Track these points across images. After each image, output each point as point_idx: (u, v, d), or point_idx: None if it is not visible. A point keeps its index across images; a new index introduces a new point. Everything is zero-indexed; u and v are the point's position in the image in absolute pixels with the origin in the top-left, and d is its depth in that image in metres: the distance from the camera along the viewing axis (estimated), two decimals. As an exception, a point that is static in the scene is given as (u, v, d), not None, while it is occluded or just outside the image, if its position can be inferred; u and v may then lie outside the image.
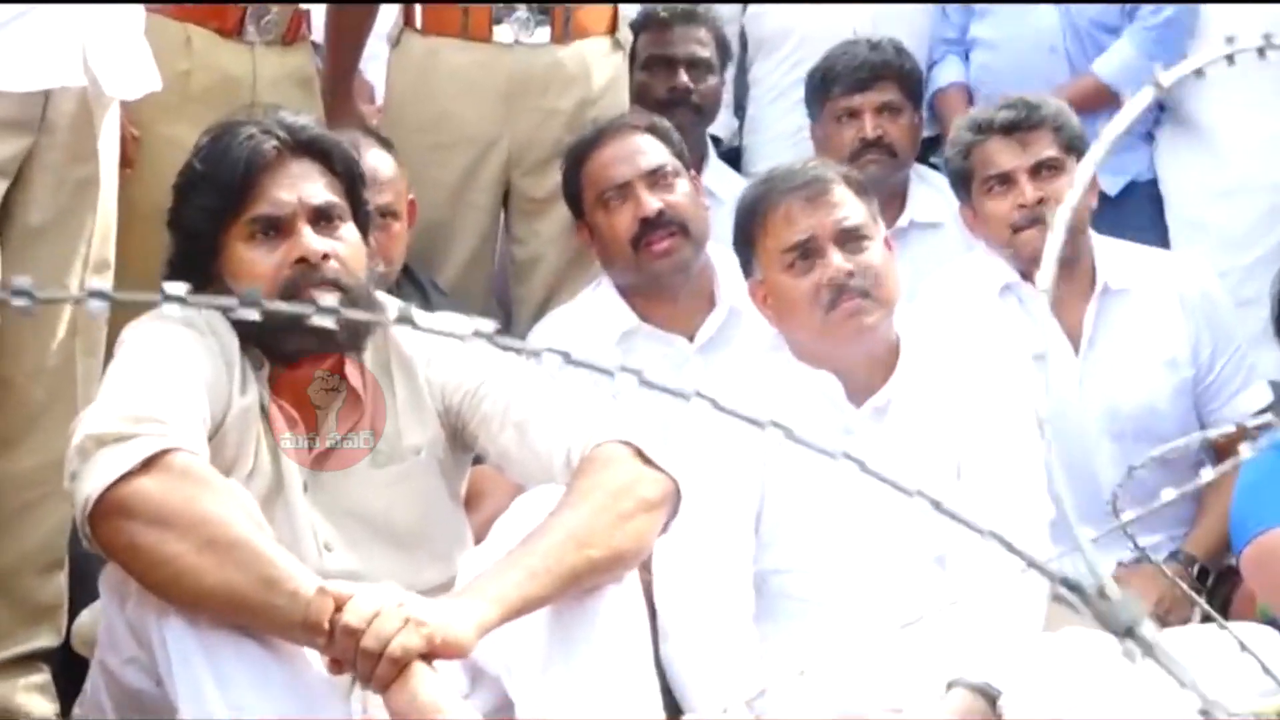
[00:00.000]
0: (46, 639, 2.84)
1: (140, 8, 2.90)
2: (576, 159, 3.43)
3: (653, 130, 3.44)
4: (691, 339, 3.39)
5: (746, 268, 2.91)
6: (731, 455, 2.75)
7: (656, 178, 3.36)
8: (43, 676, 2.84)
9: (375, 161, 3.28)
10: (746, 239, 2.88)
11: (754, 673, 2.58)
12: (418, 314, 1.00)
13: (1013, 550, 0.82)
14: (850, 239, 2.77)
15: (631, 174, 3.36)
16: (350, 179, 2.46)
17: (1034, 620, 2.68)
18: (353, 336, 2.38)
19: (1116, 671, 2.49)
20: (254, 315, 0.94)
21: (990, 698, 2.55)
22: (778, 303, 2.82)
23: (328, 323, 0.97)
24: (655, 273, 3.34)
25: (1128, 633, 0.79)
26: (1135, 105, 1.07)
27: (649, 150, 3.40)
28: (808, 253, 2.77)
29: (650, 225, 3.31)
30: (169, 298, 0.93)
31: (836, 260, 2.74)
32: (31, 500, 2.77)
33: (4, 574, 2.74)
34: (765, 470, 2.76)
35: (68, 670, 2.79)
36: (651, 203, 3.32)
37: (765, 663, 2.61)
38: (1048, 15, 4.10)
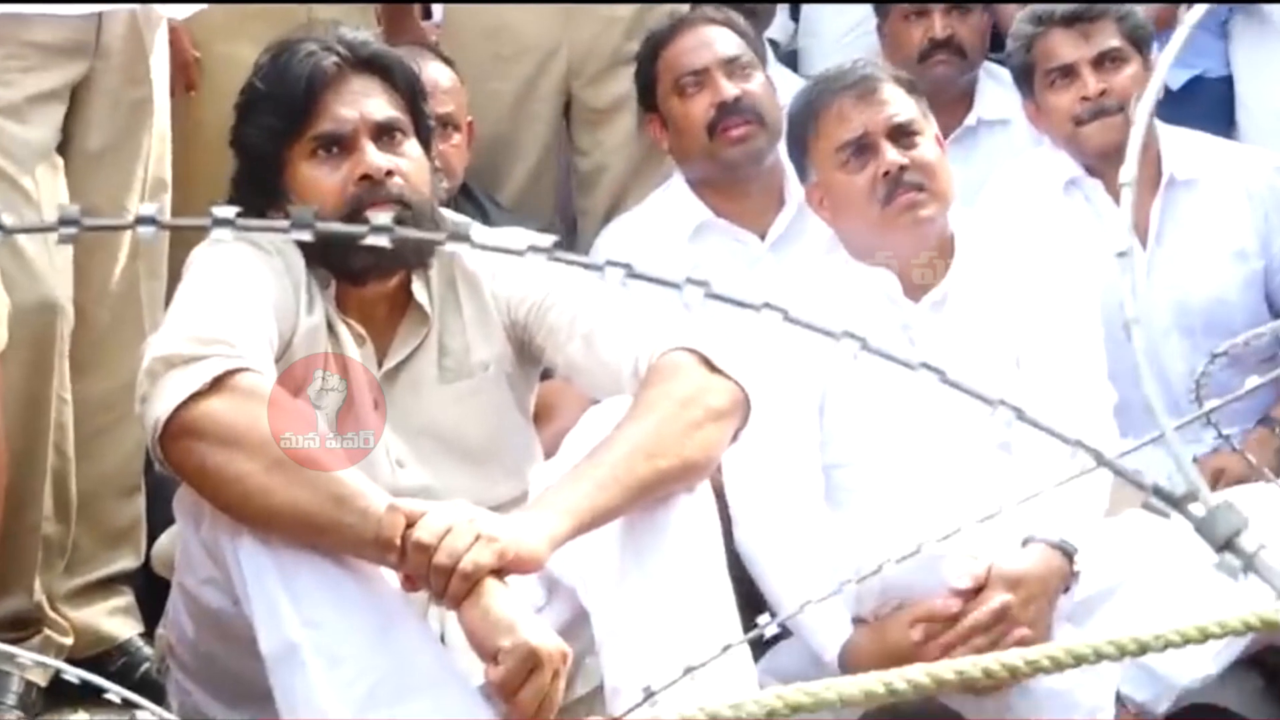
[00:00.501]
0: (127, 561, 2.88)
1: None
2: (653, 48, 3.44)
3: (729, 24, 3.46)
4: (763, 236, 3.39)
5: (801, 172, 2.96)
6: (794, 350, 2.76)
7: (734, 67, 3.38)
8: (125, 599, 2.89)
9: (435, 73, 3.28)
10: (800, 142, 2.92)
11: (828, 558, 2.59)
12: (476, 229, 0.99)
13: (1101, 460, 0.80)
14: (902, 134, 2.81)
15: (710, 60, 3.38)
16: (412, 95, 2.45)
17: (1098, 505, 2.68)
18: (417, 253, 2.38)
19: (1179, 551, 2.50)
20: (306, 236, 0.93)
21: (1068, 554, 2.57)
22: (834, 201, 2.85)
23: (382, 241, 0.96)
24: (730, 160, 3.34)
25: (1226, 545, 0.76)
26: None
27: (727, 40, 3.41)
28: (861, 149, 2.80)
29: (727, 111, 3.32)
30: (219, 222, 0.92)
31: (890, 154, 2.78)
32: (105, 424, 2.80)
33: (82, 498, 2.77)
34: (827, 364, 2.77)
35: (150, 592, 2.83)
36: (729, 88, 3.34)
37: (837, 550, 2.61)
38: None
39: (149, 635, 2.78)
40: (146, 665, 2.75)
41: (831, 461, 2.80)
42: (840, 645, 2.58)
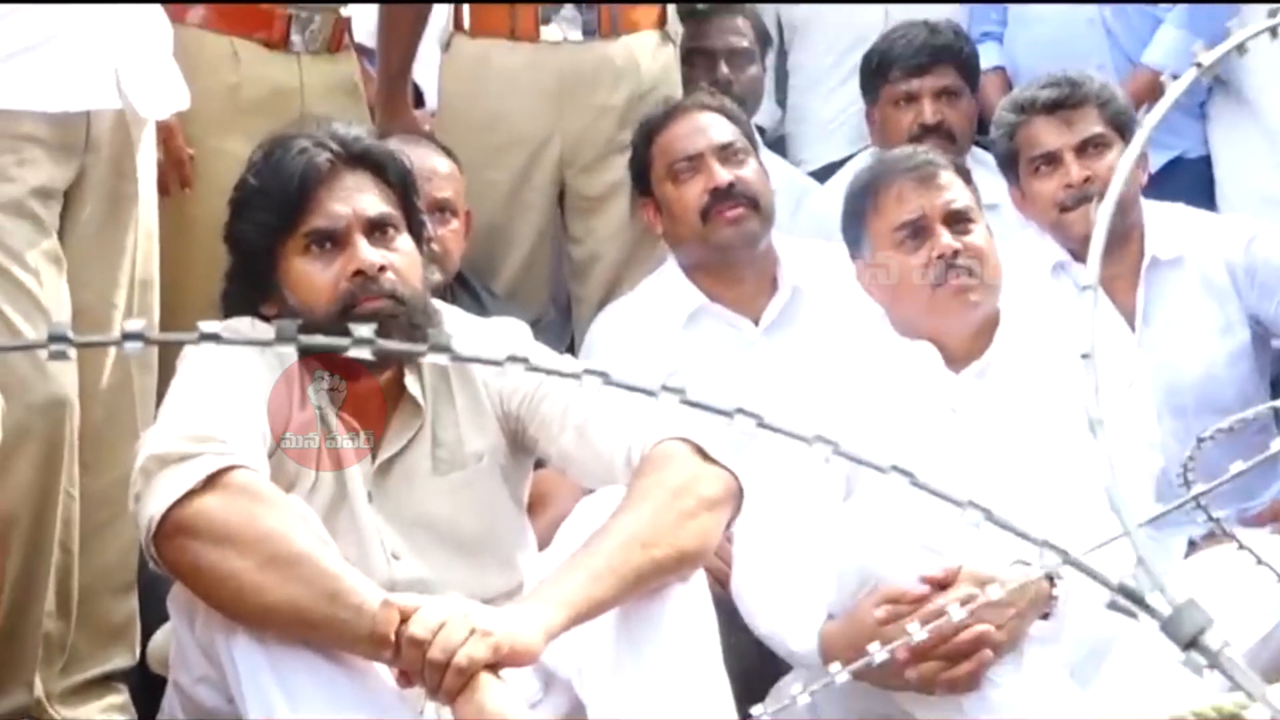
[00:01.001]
0: (122, 659, 2.87)
1: (166, 25, 2.92)
2: (648, 133, 3.47)
3: (723, 110, 3.49)
4: (756, 321, 3.40)
5: (854, 247, 2.99)
6: (813, 423, 2.76)
7: (728, 153, 3.41)
8: (121, 697, 2.87)
9: (432, 159, 3.31)
10: (857, 219, 2.97)
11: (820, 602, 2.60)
12: (456, 340, 1.00)
13: (1068, 560, 0.81)
14: (958, 220, 2.88)
15: (704, 146, 3.41)
16: (404, 189, 2.48)
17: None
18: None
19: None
20: (289, 348, 0.95)
21: (1050, 579, 2.58)
22: (886, 280, 2.91)
23: (364, 353, 0.98)
24: (724, 243, 3.36)
25: (1192, 643, 0.77)
26: (1178, 87, 1.06)
27: (721, 126, 3.45)
28: (917, 231, 2.87)
29: (720, 196, 3.35)
30: (205, 337, 0.94)
31: (946, 238, 2.85)
32: (102, 520, 2.80)
33: (80, 596, 2.76)
34: (856, 432, 2.76)
35: (144, 690, 2.82)
36: (723, 174, 3.37)
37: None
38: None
39: (145, 733, 2.77)
40: (141, 763, 2.74)
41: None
42: (816, 636, 2.57)
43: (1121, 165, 0.91)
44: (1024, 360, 2.88)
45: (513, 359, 0.92)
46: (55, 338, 0.91)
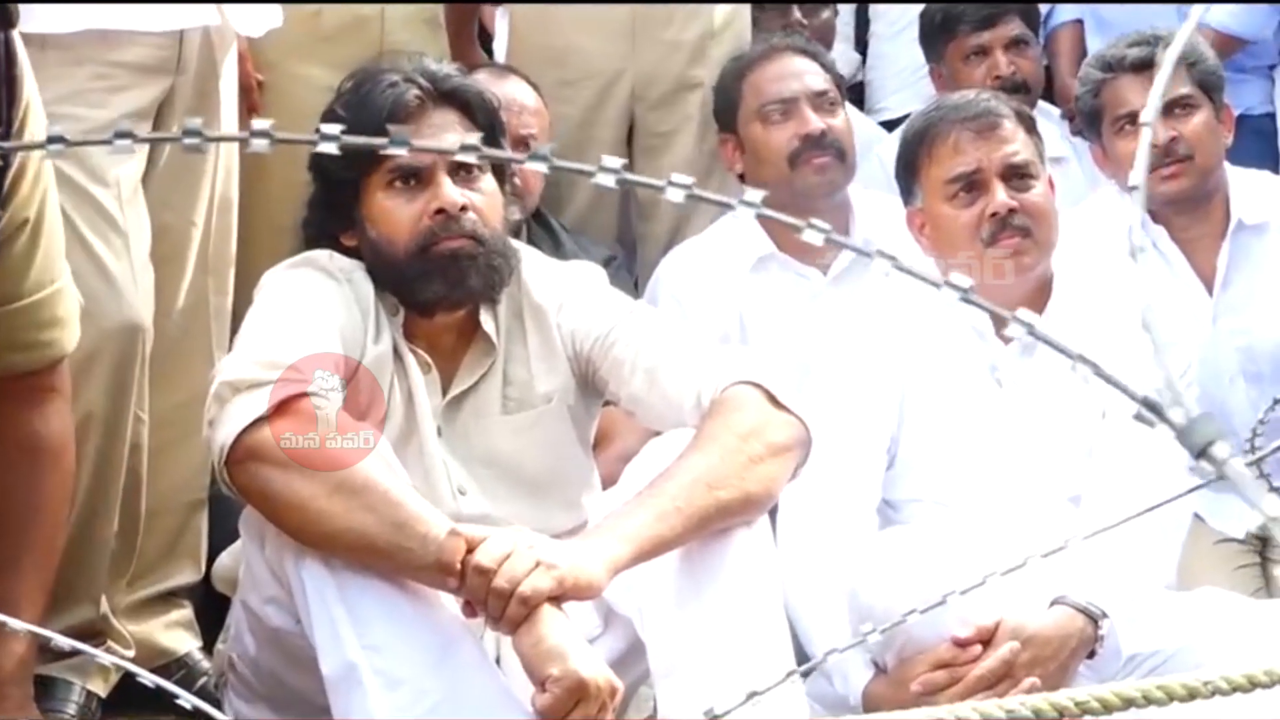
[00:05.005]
0: (187, 575, 2.91)
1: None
2: (739, 70, 3.45)
3: (817, 57, 3.48)
4: (825, 271, 3.39)
5: (907, 195, 2.89)
6: (871, 382, 2.75)
7: (822, 101, 3.39)
8: (184, 613, 2.91)
9: (520, 93, 3.31)
10: (910, 166, 2.86)
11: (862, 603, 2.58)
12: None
13: (1103, 376, 0.83)
14: (1016, 175, 2.76)
15: (799, 90, 3.39)
16: (490, 129, 2.47)
17: (1165, 566, 2.66)
18: (487, 286, 2.40)
19: (1240, 633, 2.47)
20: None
21: (1093, 618, 2.54)
22: (935, 232, 2.81)
23: (400, 152, 1.00)
24: (808, 191, 3.34)
25: (1201, 453, 0.80)
26: (1188, 27, 1.03)
27: (815, 73, 3.43)
28: (972, 185, 2.76)
29: (812, 143, 3.33)
30: (325, 137, 0.98)
31: (1001, 195, 2.73)
32: (171, 439, 2.83)
33: (148, 511, 2.79)
34: (905, 398, 2.76)
35: (208, 606, 2.86)
36: (816, 122, 3.35)
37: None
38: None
39: (208, 649, 2.80)
40: (204, 679, 2.77)
41: (904, 496, 2.79)
42: (862, 688, 2.56)
43: (1153, 94, 0.90)
44: (1080, 329, 2.74)
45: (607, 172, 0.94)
46: (189, 131, 0.97)
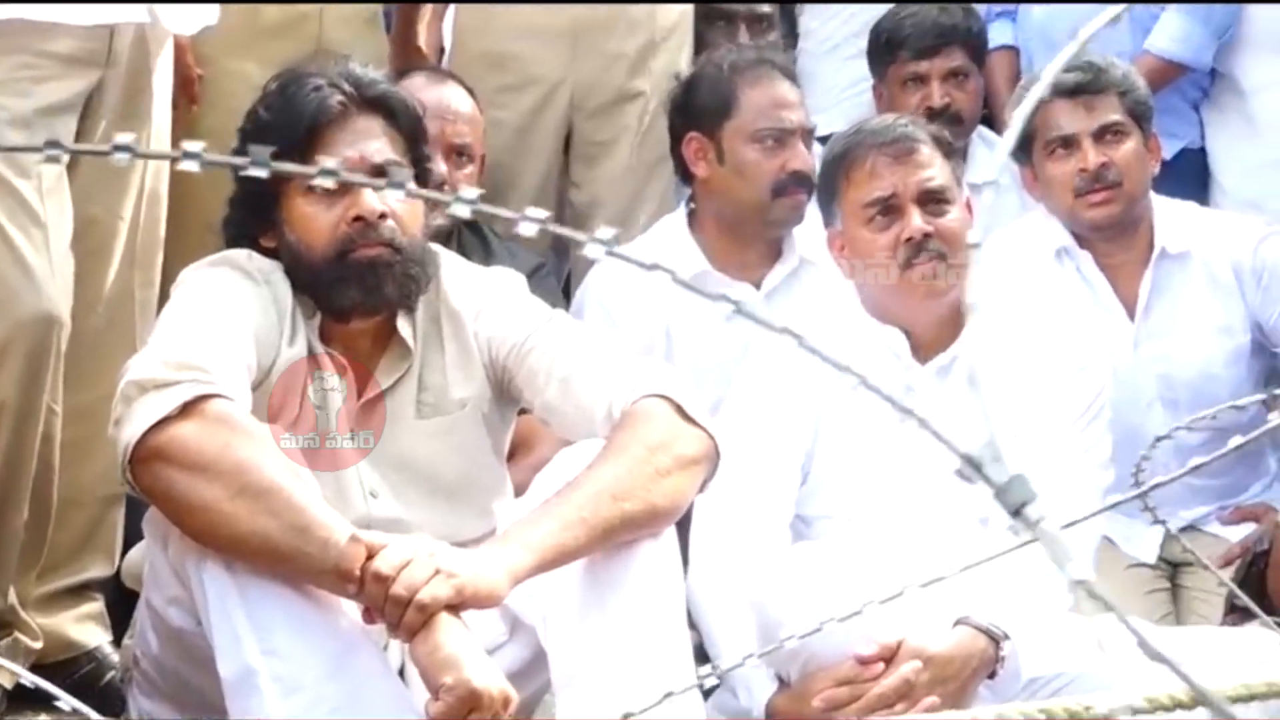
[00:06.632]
0: (99, 569, 2.91)
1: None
2: (732, 78, 3.38)
3: (799, 86, 3.46)
4: (758, 287, 3.40)
5: (827, 217, 2.93)
6: (788, 398, 2.77)
7: (808, 136, 3.39)
8: (96, 606, 2.91)
9: (456, 99, 3.30)
10: (829, 189, 2.90)
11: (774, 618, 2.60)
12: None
13: (928, 426, 0.85)
14: (932, 200, 2.79)
15: (798, 124, 3.37)
16: (413, 136, 2.48)
17: (1060, 597, 2.69)
18: (403, 294, 2.41)
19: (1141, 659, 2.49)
20: (262, 173, 1.00)
21: (994, 639, 2.57)
22: (853, 255, 2.84)
23: (328, 183, 1.02)
24: (780, 220, 3.36)
25: (1016, 512, 0.82)
26: (1059, 61, 1.05)
27: (803, 106, 3.42)
28: (889, 209, 2.79)
29: (796, 179, 3.31)
30: (257, 161, 0.99)
31: (916, 220, 2.76)
32: (90, 432, 2.81)
33: (61, 504, 2.79)
34: (821, 415, 2.78)
35: (122, 600, 2.86)
36: (807, 157, 3.34)
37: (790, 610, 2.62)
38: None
39: (119, 643, 2.80)
40: (112, 674, 2.78)
41: (815, 512, 2.81)
42: (765, 701, 2.58)
43: (1013, 122, 0.92)
44: (998, 352, 2.81)
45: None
46: (120, 147, 0.97)
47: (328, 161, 1.03)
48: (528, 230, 0.99)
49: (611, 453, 2.26)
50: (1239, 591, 2.10)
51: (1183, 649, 2.54)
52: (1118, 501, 1.58)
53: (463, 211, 0.99)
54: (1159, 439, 1.65)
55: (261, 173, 1.04)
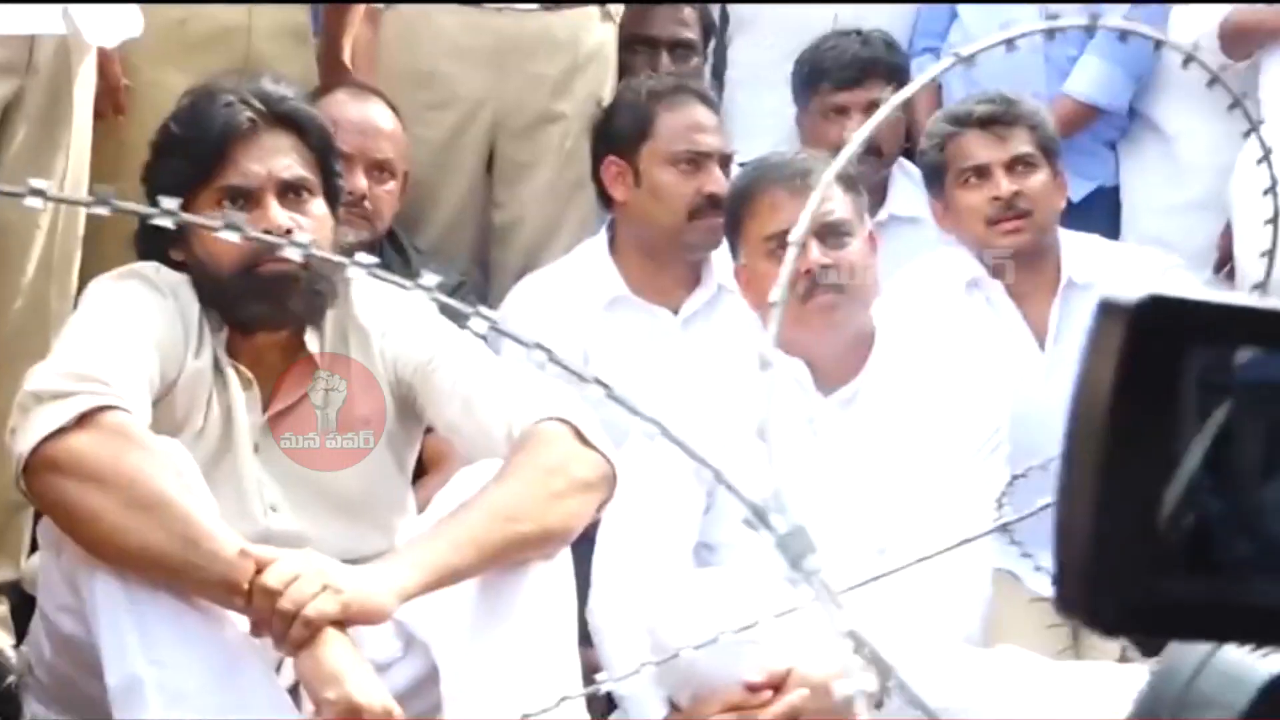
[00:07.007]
0: (6, 573, 2.90)
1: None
2: (649, 103, 3.41)
3: (718, 113, 3.48)
4: (676, 312, 3.43)
5: (733, 249, 2.96)
6: (695, 425, 2.80)
7: (725, 161, 3.40)
8: (1, 609, 2.91)
9: (377, 115, 3.33)
10: (733, 223, 2.94)
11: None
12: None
13: (720, 479, 0.89)
14: (832, 233, 2.81)
15: (714, 148, 3.39)
16: (324, 152, 2.50)
17: (967, 621, 2.72)
18: (309, 309, 2.43)
19: (1033, 692, 2.53)
20: (234, 237, 1.04)
21: (882, 672, 2.58)
22: (756, 287, 2.87)
23: (295, 256, 1.05)
24: (696, 243, 3.38)
25: (794, 563, 0.86)
26: (930, 72, 1.09)
27: (720, 132, 3.44)
28: (787, 242, 2.80)
29: (712, 203, 3.32)
30: (166, 212, 1.03)
31: (815, 253, 2.77)
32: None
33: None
34: (730, 446, 2.80)
35: (27, 604, 2.86)
36: (723, 182, 3.34)
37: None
38: (1025, 12, 4.07)
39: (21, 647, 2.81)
40: (12, 678, 2.78)
41: (719, 539, 2.84)
42: None
43: (805, 213, 0.97)
44: (900, 384, 2.85)
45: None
46: (35, 191, 1.01)
47: (234, 215, 1.07)
48: (355, 274, 1.03)
49: (507, 474, 2.29)
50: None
51: (1076, 684, 2.59)
52: (970, 539, 1.62)
53: (294, 255, 1.03)
54: (1015, 477, 1.70)
55: (167, 223, 1.07)
